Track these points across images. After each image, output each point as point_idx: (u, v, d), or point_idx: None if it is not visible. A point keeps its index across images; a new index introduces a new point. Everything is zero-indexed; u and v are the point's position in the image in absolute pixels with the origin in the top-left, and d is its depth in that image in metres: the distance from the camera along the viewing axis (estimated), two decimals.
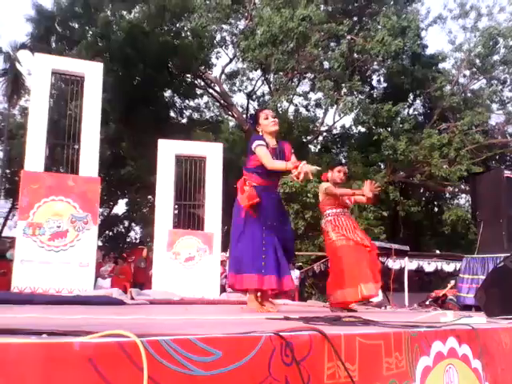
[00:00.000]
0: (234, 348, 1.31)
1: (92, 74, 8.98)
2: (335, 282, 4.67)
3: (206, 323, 2.40)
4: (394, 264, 11.24)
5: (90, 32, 18.28)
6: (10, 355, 1.01)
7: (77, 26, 18.88)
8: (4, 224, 24.20)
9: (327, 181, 5.02)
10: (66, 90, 10.68)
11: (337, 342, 1.58)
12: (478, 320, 2.61)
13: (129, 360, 1.10)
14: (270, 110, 4.15)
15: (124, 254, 15.43)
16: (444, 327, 2.12)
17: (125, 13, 18.92)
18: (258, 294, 3.88)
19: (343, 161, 19.09)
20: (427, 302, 9.52)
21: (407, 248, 11.69)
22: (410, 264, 11.96)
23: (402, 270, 11.72)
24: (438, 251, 19.45)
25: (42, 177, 8.16)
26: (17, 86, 20.68)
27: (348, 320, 2.28)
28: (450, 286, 10.07)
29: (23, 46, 20.09)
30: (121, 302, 4.90)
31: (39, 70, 8.72)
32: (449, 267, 12.90)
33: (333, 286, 4.69)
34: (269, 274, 3.66)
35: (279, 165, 3.74)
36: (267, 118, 3.93)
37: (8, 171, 22.82)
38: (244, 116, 21.06)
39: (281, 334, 1.44)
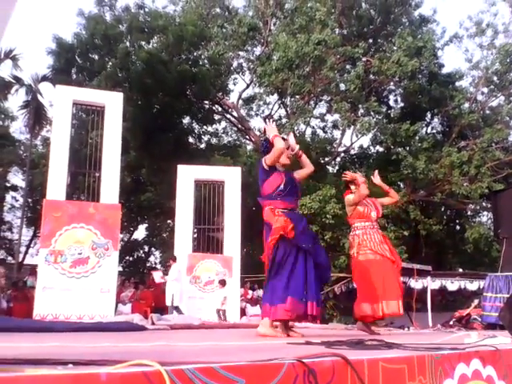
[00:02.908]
0: (257, 375, 1.32)
1: (112, 103, 9.19)
2: (359, 296, 4.69)
3: (227, 349, 2.39)
4: (416, 284, 11.07)
5: (110, 63, 18.66)
6: None
7: (97, 57, 19.29)
8: (26, 252, 24.52)
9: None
10: (87, 120, 10.96)
11: (360, 368, 1.57)
12: (503, 340, 2.57)
13: None
14: None
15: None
16: (468, 349, 2.10)
17: (143, 43, 19.32)
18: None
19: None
20: (451, 322, 9.32)
21: (429, 268, 11.52)
22: (432, 283, 11.75)
23: (424, 289, 11.52)
24: (460, 270, 19.09)
25: (63, 205, 8.30)
26: (38, 117, 21.11)
27: (371, 344, 2.26)
28: (473, 305, 9.87)
29: (44, 79, 20.56)
30: (142, 328, 4.90)
31: (60, 102, 8.96)
32: (472, 286, 12.63)
33: (357, 300, 4.70)
34: (295, 297, 3.63)
35: (277, 139, 3.86)
36: (287, 149, 4.01)
37: (30, 200, 23.21)
38: (262, 140, 21.19)
39: (303, 360, 1.44)
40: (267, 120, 3.83)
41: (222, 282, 10.33)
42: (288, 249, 3.73)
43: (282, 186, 3.86)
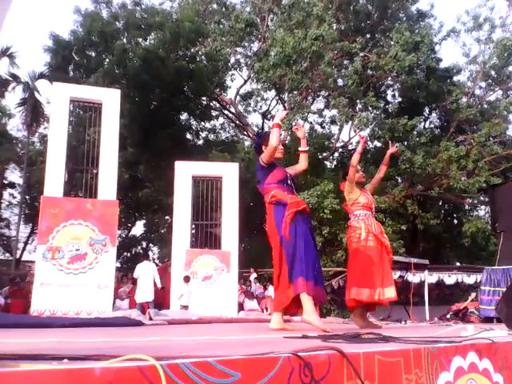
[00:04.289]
0: (252, 369, 1.32)
1: (109, 100, 9.17)
2: (354, 279, 4.70)
3: (223, 343, 2.40)
4: (413, 278, 11.11)
5: (107, 60, 18.58)
6: (33, 382, 1.03)
7: (93, 54, 19.23)
8: (24, 249, 24.52)
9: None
10: (85, 117, 10.91)
11: (356, 361, 1.57)
12: (499, 333, 2.58)
13: None
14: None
15: None
16: (464, 342, 2.11)
17: (140, 40, 19.27)
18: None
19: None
20: (448, 316, 9.36)
21: (426, 262, 11.54)
22: (430, 277, 11.79)
23: (421, 283, 11.57)
24: (458, 263, 19.15)
25: (61, 202, 8.29)
26: (36, 114, 21.09)
27: (367, 337, 2.27)
28: (470, 298, 9.93)
29: (41, 76, 20.52)
30: (139, 323, 4.92)
31: (58, 99, 8.93)
32: (470, 279, 12.69)
33: (351, 283, 4.72)
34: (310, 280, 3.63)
35: (274, 132, 3.88)
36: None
37: (28, 197, 23.19)
38: (254, 136, 21.19)
39: (299, 354, 1.44)
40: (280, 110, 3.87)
41: (186, 278, 10.20)
42: (302, 227, 3.76)
43: (285, 179, 3.97)
